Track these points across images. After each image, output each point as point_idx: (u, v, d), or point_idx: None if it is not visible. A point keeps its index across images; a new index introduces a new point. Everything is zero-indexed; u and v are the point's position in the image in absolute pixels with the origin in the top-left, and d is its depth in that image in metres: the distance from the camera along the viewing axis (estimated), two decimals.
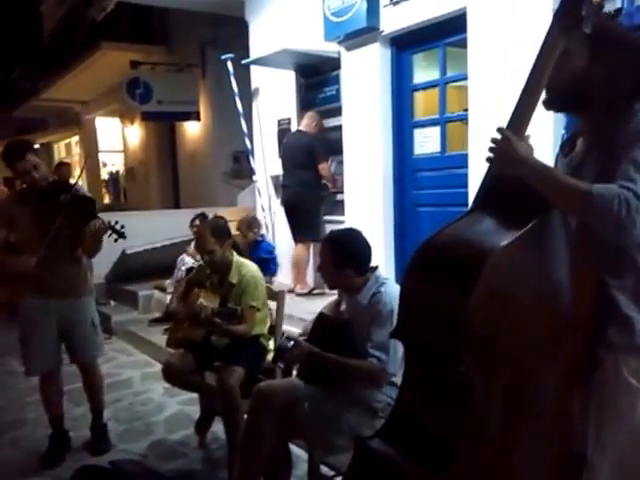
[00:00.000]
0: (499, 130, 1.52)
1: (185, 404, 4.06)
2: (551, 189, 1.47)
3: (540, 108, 1.62)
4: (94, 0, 8.26)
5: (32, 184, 3.18)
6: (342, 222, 5.56)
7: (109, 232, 3.14)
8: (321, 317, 2.59)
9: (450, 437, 1.51)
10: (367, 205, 5.27)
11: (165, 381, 3.34)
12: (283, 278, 6.32)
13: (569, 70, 1.57)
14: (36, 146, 15.58)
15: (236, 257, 3.35)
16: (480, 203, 1.65)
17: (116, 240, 3.19)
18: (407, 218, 5.12)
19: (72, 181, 4.08)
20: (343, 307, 2.62)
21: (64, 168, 8.47)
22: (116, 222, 3.20)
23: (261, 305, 3.25)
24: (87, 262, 3.40)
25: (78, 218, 3.05)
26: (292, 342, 2.42)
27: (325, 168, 5.58)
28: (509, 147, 1.50)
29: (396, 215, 5.18)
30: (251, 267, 3.33)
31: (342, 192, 5.65)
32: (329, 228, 5.73)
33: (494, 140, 1.53)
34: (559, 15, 1.52)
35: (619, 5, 3.32)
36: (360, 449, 1.73)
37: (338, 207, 5.76)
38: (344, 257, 2.42)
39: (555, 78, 1.58)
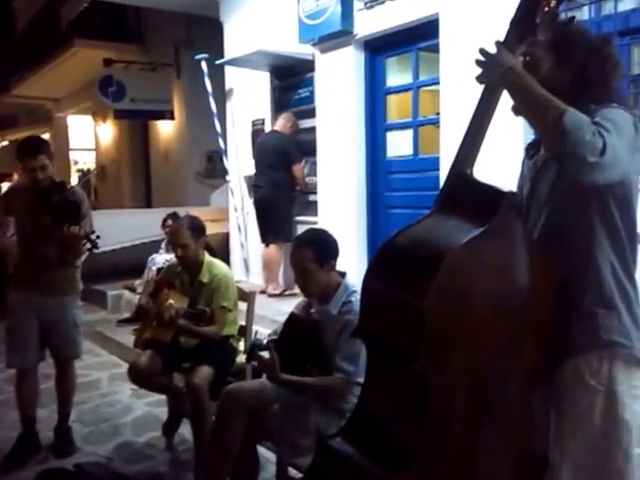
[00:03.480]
0: (495, 43, 1.52)
1: (153, 406, 3.98)
2: (531, 100, 1.47)
3: (510, 113, 1.63)
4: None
5: (33, 183, 3.21)
6: (315, 223, 5.53)
7: (85, 241, 3.10)
8: (292, 317, 2.56)
9: (410, 437, 1.51)
10: (340, 206, 5.26)
11: (131, 382, 3.26)
12: (255, 279, 6.28)
13: (534, 76, 1.56)
14: (4, 143, 15.24)
15: (207, 257, 3.30)
16: (440, 205, 1.65)
17: (89, 250, 3.16)
18: (380, 220, 5.12)
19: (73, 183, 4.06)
20: (313, 309, 2.59)
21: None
22: (93, 232, 3.16)
23: (232, 306, 3.20)
24: (75, 262, 3.36)
25: (61, 221, 3.05)
26: (266, 340, 2.38)
27: (298, 169, 5.55)
28: (503, 55, 1.50)
29: (369, 217, 5.17)
30: (222, 267, 3.28)
31: (315, 193, 5.63)
32: (301, 229, 5.70)
33: (483, 51, 1.52)
34: (514, 22, 1.56)
35: (586, 15, 3.38)
36: (321, 448, 1.72)
37: (311, 208, 5.73)
38: (326, 251, 2.41)
39: None
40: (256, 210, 5.85)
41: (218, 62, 6.35)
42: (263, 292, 5.55)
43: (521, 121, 1.74)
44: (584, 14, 3.39)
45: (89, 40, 10.00)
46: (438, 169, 4.23)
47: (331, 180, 5.38)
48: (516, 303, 1.52)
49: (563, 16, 1.68)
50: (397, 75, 5.01)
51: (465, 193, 1.60)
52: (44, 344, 3.35)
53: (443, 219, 1.61)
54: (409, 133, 4.79)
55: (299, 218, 5.81)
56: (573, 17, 1.72)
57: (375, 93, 5.04)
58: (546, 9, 1.55)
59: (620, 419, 1.55)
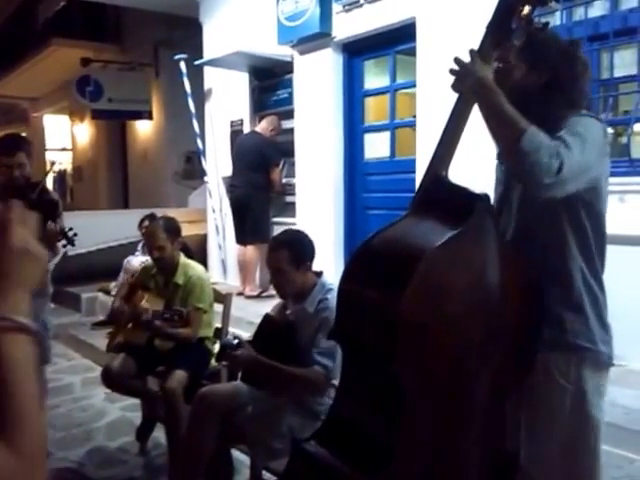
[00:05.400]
0: (470, 51, 1.55)
1: (127, 410, 3.91)
2: (495, 115, 1.49)
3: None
4: None
5: (7, 182, 3.11)
6: (293, 224, 5.50)
7: (60, 237, 3.03)
8: (266, 318, 2.53)
9: (385, 438, 1.50)
10: (318, 208, 5.25)
11: (105, 386, 3.20)
12: (232, 280, 6.24)
13: (507, 83, 1.60)
14: None
15: (183, 258, 3.26)
16: (416, 207, 1.66)
17: (65, 246, 3.09)
18: (357, 221, 5.12)
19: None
20: (289, 311, 2.57)
21: None
22: (70, 229, 3.10)
23: (207, 307, 3.17)
24: (50, 262, 3.28)
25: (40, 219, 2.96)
26: (237, 340, 2.34)
27: (276, 173, 5.52)
28: (474, 65, 1.52)
29: (346, 218, 5.17)
30: (198, 268, 3.25)
31: (293, 194, 5.61)
32: (279, 230, 5.65)
33: (457, 60, 1.54)
34: (490, 27, 1.58)
35: (558, 20, 3.42)
36: (296, 452, 1.71)
37: (288, 209, 5.71)
38: (302, 253, 2.39)
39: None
40: (232, 210, 5.82)
41: (197, 62, 6.31)
42: (240, 294, 5.51)
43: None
44: (556, 19, 3.42)
45: (67, 39, 9.87)
46: (415, 171, 4.24)
47: (309, 181, 5.37)
48: (487, 304, 1.53)
49: (537, 21, 1.67)
50: (375, 78, 5.02)
51: (440, 195, 1.61)
52: None
53: (419, 221, 1.63)
54: (386, 135, 4.80)
55: (277, 219, 5.78)
56: (547, 23, 1.72)
57: (353, 95, 5.05)
58: (522, 14, 1.56)
59: (588, 416, 1.58)
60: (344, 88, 5.05)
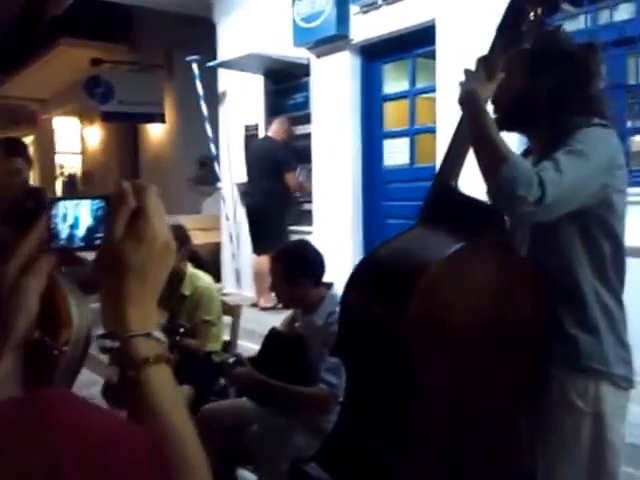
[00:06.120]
0: (477, 60, 1.61)
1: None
2: (478, 135, 1.54)
3: None
4: None
5: (2, 191, 3.12)
6: (309, 233, 5.64)
7: None
8: (273, 332, 2.58)
9: (388, 458, 1.54)
10: (335, 216, 5.36)
11: (106, 401, 3.28)
12: (247, 291, 6.35)
13: (514, 88, 1.65)
14: None
15: (190, 268, 3.32)
16: (423, 218, 1.71)
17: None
18: (376, 230, 5.22)
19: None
20: (298, 324, 2.66)
21: None
22: None
23: (216, 320, 3.20)
24: None
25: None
26: (233, 358, 2.40)
27: (291, 178, 5.61)
28: (474, 77, 1.58)
29: (365, 227, 5.28)
30: (205, 279, 3.29)
31: (310, 202, 5.73)
32: (297, 238, 5.79)
33: (465, 70, 1.61)
34: (500, 30, 1.62)
35: (583, 24, 3.50)
36: (295, 474, 1.76)
37: (305, 217, 5.83)
38: (297, 269, 2.43)
39: (502, 97, 1.66)
40: (248, 219, 5.94)
41: (209, 64, 6.46)
42: (255, 305, 5.63)
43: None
44: (580, 23, 3.50)
45: (75, 39, 10.07)
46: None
47: (326, 189, 5.49)
48: (498, 319, 1.56)
49: (554, 25, 1.71)
50: (394, 82, 5.14)
51: (449, 206, 1.65)
52: None
53: (426, 233, 1.67)
54: (406, 141, 4.92)
55: (293, 228, 5.90)
56: (560, 25, 1.74)
57: (371, 100, 5.17)
58: (532, 18, 1.59)
59: (608, 442, 1.57)
60: (362, 92, 5.18)
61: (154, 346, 0.65)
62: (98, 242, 0.68)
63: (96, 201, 0.69)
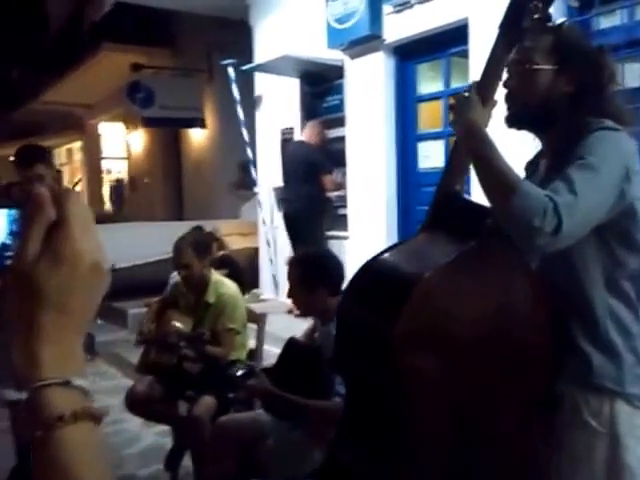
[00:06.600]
0: (471, 84, 1.60)
1: (161, 435, 4.01)
2: (485, 169, 1.50)
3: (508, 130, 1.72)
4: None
5: (26, 199, 3.34)
6: (345, 238, 5.70)
7: None
8: (290, 343, 2.64)
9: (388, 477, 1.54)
10: (370, 220, 5.41)
11: (128, 410, 3.32)
12: (284, 297, 6.41)
13: (536, 85, 1.63)
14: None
15: (215, 275, 3.38)
16: (428, 224, 1.71)
17: None
18: (411, 235, 5.18)
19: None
20: (317, 333, 2.70)
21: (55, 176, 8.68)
22: None
23: (240, 328, 3.27)
24: None
25: None
26: (241, 371, 2.46)
27: (328, 181, 5.70)
28: (465, 106, 1.55)
29: (399, 232, 5.30)
30: (230, 286, 3.35)
31: (345, 206, 5.79)
32: (332, 243, 5.86)
33: (456, 97, 1.59)
34: (502, 28, 1.59)
35: (619, 20, 3.43)
36: None
37: (341, 222, 5.90)
38: (314, 276, 2.45)
39: (519, 94, 1.65)
40: (285, 225, 6.04)
41: (244, 68, 6.60)
42: (290, 312, 5.71)
43: (523, 137, 1.83)
44: (616, 19, 3.45)
45: (117, 44, 10.39)
46: (468, 183, 4.31)
47: (361, 193, 5.54)
48: (500, 333, 1.53)
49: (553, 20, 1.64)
50: (428, 82, 5.16)
51: (452, 212, 1.65)
52: None
53: (428, 240, 1.67)
54: (441, 144, 4.92)
55: (328, 232, 5.97)
56: (563, 22, 1.69)
57: (406, 101, 5.21)
58: (536, 15, 1.56)
59: (624, 465, 1.54)
60: (396, 93, 5.23)
61: (74, 399, 0.53)
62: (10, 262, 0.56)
63: (13, 211, 0.56)
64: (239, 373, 2.45)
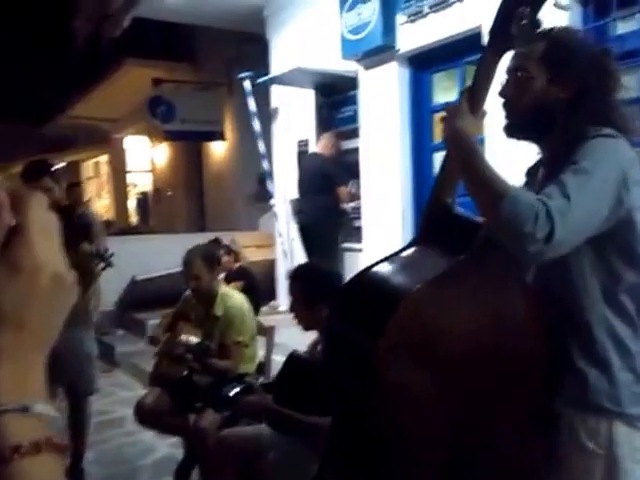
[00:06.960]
0: (461, 92, 1.57)
1: (175, 447, 4.00)
2: (472, 178, 1.47)
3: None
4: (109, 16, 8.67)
5: None
6: (359, 250, 5.62)
7: (96, 259, 3.30)
8: (292, 357, 2.61)
9: None
10: (385, 233, 5.32)
11: (138, 423, 3.35)
12: None
13: (533, 92, 1.58)
14: (61, 164, 15.95)
15: (223, 288, 3.40)
16: (418, 237, 1.66)
17: (103, 268, 3.35)
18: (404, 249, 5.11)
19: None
20: (319, 348, 2.65)
21: (74, 189, 8.74)
22: (106, 250, 3.35)
23: (249, 341, 3.25)
24: (90, 291, 3.53)
25: (69, 245, 3.24)
26: (235, 390, 2.42)
27: (343, 192, 5.67)
28: (454, 115, 1.52)
29: None
30: (238, 299, 3.34)
31: (359, 218, 5.72)
32: (346, 256, 5.80)
33: (448, 109, 1.56)
34: (491, 34, 1.56)
35: (637, 24, 3.31)
36: None
37: (355, 234, 5.83)
38: (315, 292, 2.42)
39: (515, 102, 1.62)
40: (300, 236, 6.00)
41: (259, 80, 6.60)
42: None
43: (521, 146, 1.75)
44: (635, 24, 3.33)
45: (139, 59, 10.57)
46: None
47: (375, 204, 5.47)
48: (490, 350, 1.47)
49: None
50: (443, 92, 5.07)
51: (443, 225, 1.60)
52: (54, 379, 3.52)
53: (420, 252, 1.62)
54: None
55: (344, 245, 5.92)
56: (552, 28, 1.63)
57: (421, 111, 5.13)
58: (523, 21, 1.49)
59: None
60: (411, 104, 5.15)
61: (33, 427, 0.47)
62: None
63: None
64: (231, 393, 2.42)
